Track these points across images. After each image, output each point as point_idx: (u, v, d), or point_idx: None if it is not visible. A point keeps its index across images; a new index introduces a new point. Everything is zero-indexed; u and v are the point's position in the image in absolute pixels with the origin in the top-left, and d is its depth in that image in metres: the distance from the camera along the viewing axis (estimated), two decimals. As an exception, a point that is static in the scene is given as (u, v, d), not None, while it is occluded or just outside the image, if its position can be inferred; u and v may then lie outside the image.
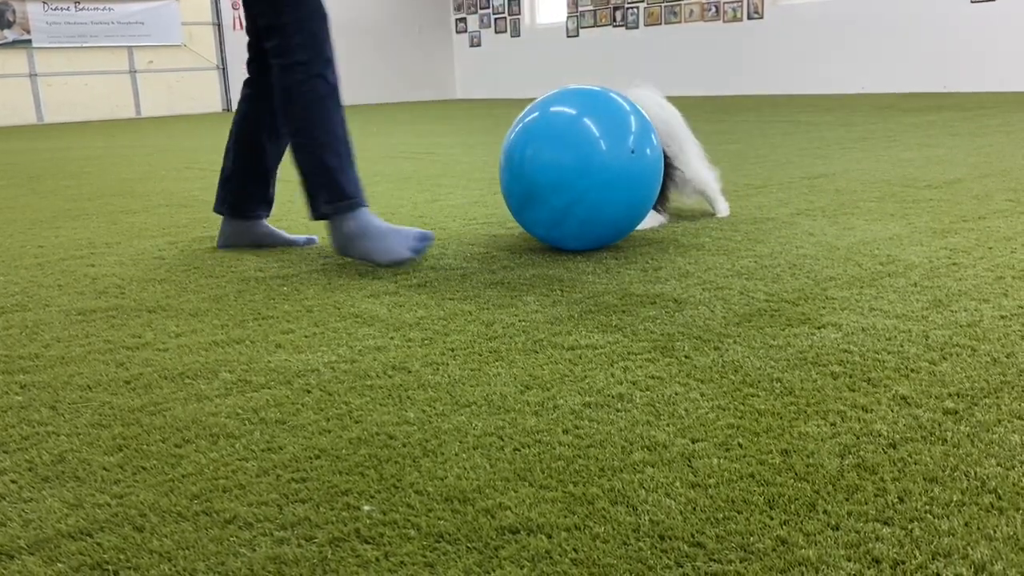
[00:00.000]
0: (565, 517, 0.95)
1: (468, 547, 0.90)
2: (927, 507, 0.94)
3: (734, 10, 11.41)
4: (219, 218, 2.94)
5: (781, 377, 1.33)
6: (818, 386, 1.29)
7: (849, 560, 0.85)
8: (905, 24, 9.74)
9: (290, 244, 2.53)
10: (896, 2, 9.79)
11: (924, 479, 1.00)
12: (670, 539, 0.90)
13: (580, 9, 13.39)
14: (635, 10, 12.63)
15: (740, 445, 1.11)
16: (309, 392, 1.36)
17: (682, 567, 0.85)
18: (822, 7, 10.51)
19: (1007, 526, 0.90)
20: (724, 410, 1.22)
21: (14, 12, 11.69)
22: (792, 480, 1.01)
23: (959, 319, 1.58)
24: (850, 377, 1.32)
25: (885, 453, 1.07)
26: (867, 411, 1.20)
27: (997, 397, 1.23)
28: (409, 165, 4.64)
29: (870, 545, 0.87)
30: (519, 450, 1.12)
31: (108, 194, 3.91)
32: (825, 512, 0.94)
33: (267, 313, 1.82)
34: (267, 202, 2.55)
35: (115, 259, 2.44)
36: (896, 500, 0.96)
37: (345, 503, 1.00)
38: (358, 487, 1.04)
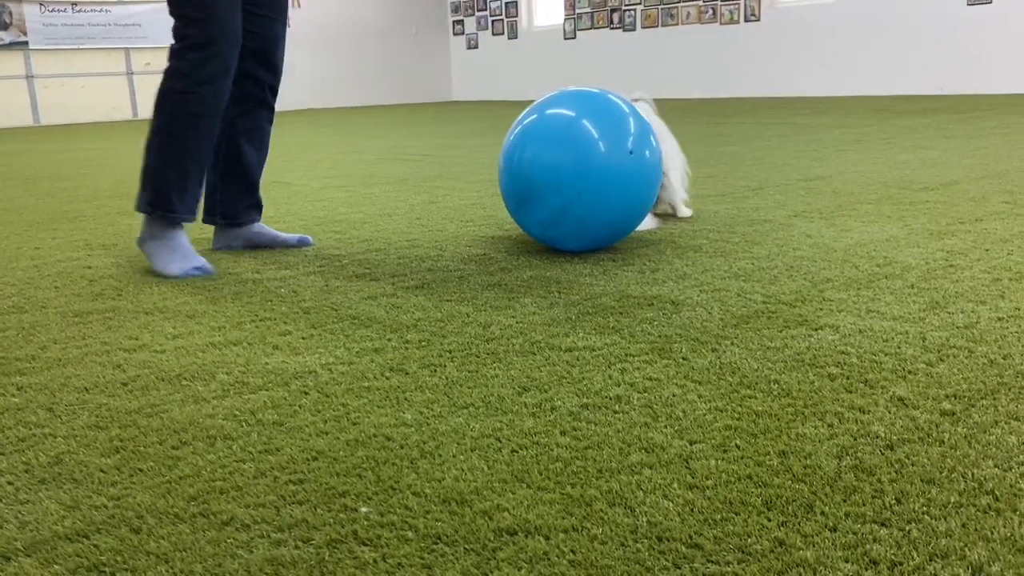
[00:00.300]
0: (563, 518, 0.95)
1: (466, 549, 0.90)
2: (924, 508, 0.94)
3: (731, 12, 11.43)
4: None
5: (778, 379, 1.33)
6: (815, 388, 1.29)
7: (847, 561, 0.85)
8: (901, 27, 9.76)
9: (283, 244, 2.53)
10: (892, 5, 9.81)
11: (921, 480, 1.00)
12: (668, 540, 0.90)
13: (577, 11, 13.40)
14: (632, 12, 12.64)
15: (738, 446, 1.11)
16: (306, 394, 1.36)
17: (680, 568, 0.85)
18: (819, 10, 10.53)
19: (1004, 527, 0.90)
20: (722, 412, 1.22)
21: (11, 14, 11.67)
22: (790, 481, 1.01)
23: (956, 321, 1.58)
24: (847, 379, 1.32)
25: (882, 454, 1.07)
26: (864, 412, 1.20)
27: (994, 398, 1.23)
28: (406, 167, 4.64)
29: (868, 546, 0.87)
30: (517, 452, 1.12)
31: (105, 196, 3.90)
32: (823, 513, 0.94)
33: (264, 315, 1.82)
34: (257, 207, 2.55)
35: (112, 261, 2.44)
36: (893, 501, 0.96)
37: (343, 505, 1.00)
38: (356, 489, 1.04)
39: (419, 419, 1.24)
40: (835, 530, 0.91)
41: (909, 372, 1.34)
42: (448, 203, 3.28)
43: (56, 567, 0.90)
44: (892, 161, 3.91)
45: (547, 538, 0.91)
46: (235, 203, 2.51)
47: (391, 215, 3.05)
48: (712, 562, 0.86)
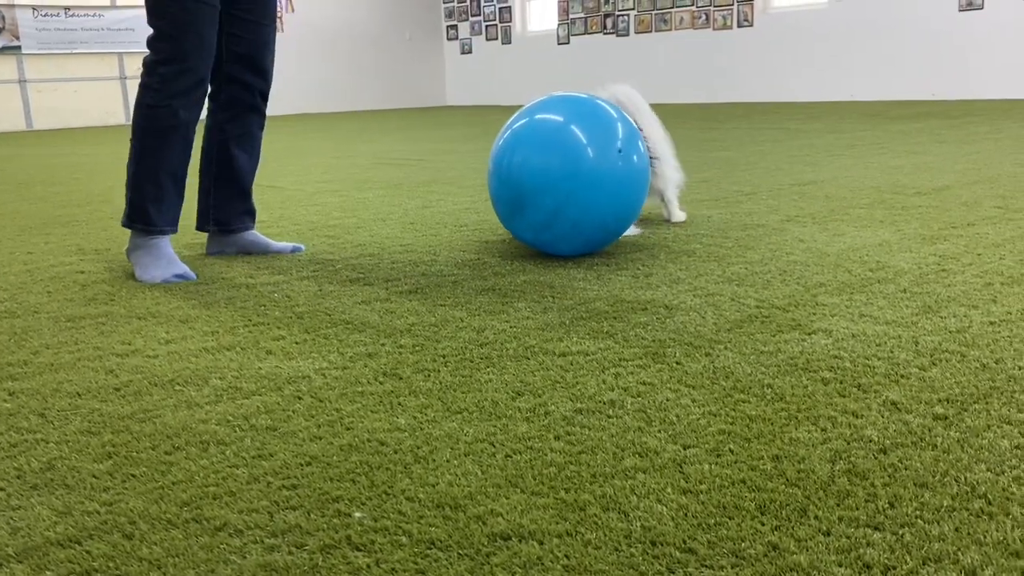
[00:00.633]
0: (557, 523, 0.95)
1: (459, 554, 0.90)
2: (918, 512, 0.94)
3: (724, 18, 11.46)
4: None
5: (772, 383, 1.34)
6: (809, 392, 1.30)
7: (840, 566, 0.85)
8: (893, 32, 9.79)
9: (277, 252, 2.53)
10: (885, 10, 9.85)
11: (914, 484, 1.00)
12: (662, 545, 0.90)
13: (571, 16, 13.43)
14: (626, 17, 12.67)
15: (731, 451, 1.11)
16: (300, 399, 1.35)
17: (674, 573, 0.85)
18: (811, 15, 10.57)
19: (997, 531, 0.90)
20: (715, 416, 1.22)
21: (3, 18, 11.65)
22: (783, 486, 1.01)
23: (948, 325, 1.59)
24: (840, 383, 1.33)
25: (876, 459, 1.07)
26: (858, 417, 1.20)
27: (986, 403, 1.23)
28: (400, 172, 4.64)
29: (861, 550, 0.87)
30: (510, 456, 1.12)
31: (98, 200, 3.89)
32: (816, 518, 0.94)
33: (257, 320, 1.82)
34: (250, 213, 2.55)
35: (105, 265, 2.43)
36: (887, 505, 0.96)
37: (336, 510, 1.00)
38: (349, 494, 1.04)
39: (413, 424, 1.24)
40: (829, 534, 0.91)
41: (902, 376, 1.35)
42: (442, 208, 3.29)
43: (48, 573, 0.89)
44: (885, 166, 3.92)
45: (541, 543, 0.91)
46: (227, 209, 2.50)
47: (385, 220, 3.05)
48: (706, 567, 0.86)
